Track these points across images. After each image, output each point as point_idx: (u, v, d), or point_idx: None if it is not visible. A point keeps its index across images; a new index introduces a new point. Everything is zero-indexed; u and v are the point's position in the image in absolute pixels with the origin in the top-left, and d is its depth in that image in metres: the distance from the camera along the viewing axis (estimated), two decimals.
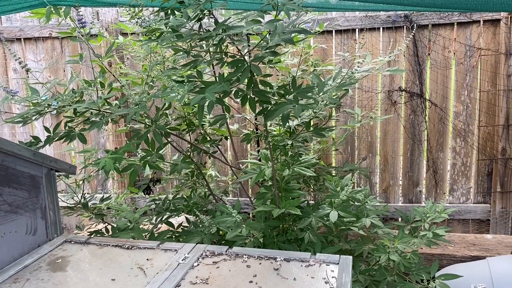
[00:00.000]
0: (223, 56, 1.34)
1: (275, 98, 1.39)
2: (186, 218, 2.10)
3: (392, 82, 3.00)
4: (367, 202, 1.87)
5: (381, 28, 2.94)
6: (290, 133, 1.84)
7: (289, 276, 1.31)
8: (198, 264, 1.43)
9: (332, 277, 1.29)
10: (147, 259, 1.48)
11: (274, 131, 1.85)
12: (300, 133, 1.76)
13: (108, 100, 1.73)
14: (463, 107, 2.94)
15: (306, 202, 1.89)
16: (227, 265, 1.41)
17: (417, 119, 3.00)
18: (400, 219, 3.06)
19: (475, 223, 3.04)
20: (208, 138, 2.06)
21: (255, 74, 1.30)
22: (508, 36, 2.74)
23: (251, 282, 1.30)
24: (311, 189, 2.52)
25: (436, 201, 3.08)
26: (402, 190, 3.18)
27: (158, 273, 1.37)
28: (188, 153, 1.90)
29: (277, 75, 2.22)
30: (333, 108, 3.03)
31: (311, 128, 1.79)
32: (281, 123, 1.82)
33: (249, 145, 3.00)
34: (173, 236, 2.00)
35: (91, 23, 1.84)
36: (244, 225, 1.65)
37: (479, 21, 2.80)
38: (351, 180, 1.89)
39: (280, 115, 1.28)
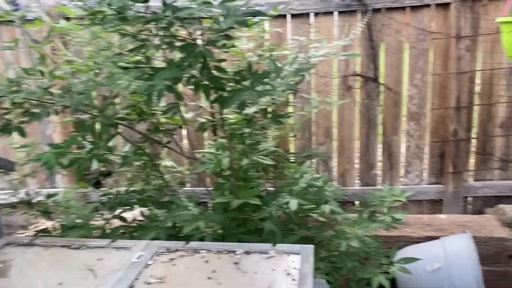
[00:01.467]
0: (173, 40, 1.26)
1: (230, 84, 1.33)
2: (141, 212, 2.01)
3: (347, 67, 2.99)
4: (326, 188, 1.85)
5: (335, 12, 2.91)
6: (248, 121, 1.78)
7: (249, 270, 1.26)
8: (153, 262, 1.35)
9: (294, 268, 1.26)
10: (98, 259, 1.38)
11: (231, 119, 1.78)
12: (258, 121, 1.70)
13: (50, 90, 1.60)
14: (416, 91, 2.99)
15: (265, 191, 1.84)
16: (184, 261, 1.35)
17: (372, 103, 3.02)
18: (358, 203, 3.09)
19: (429, 203, 3.12)
20: (161, 128, 1.96)
21: (208, 59, 1.23)
22: (458, 19, 2.79)
23: (209, 278, 1.25)
24: (271, 177, 2.48)
25: (391, 183, 3.13)
26: (358, 173, 3.21)
27: (110, 274, 1.28)
28: (140, 144, 1.80)
29: (232, 60, 2.14)
30: (290, 94, 3.00)
31: (269, 115, 1.73)
32: (238, 111, 1.75)
33: (206, 134, 2.91)
34: (127, 232, 1.91)
35: (26, 6, 1.68)
36: (201, 218, 1.58)
37: (430, 4, 2.83)
38: (310, 167, 1.86)
39: (237, 102, 1.21)
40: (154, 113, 1.93)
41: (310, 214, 1.84)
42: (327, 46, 1.99)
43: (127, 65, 1.36)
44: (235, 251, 1.37)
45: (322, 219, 1.88)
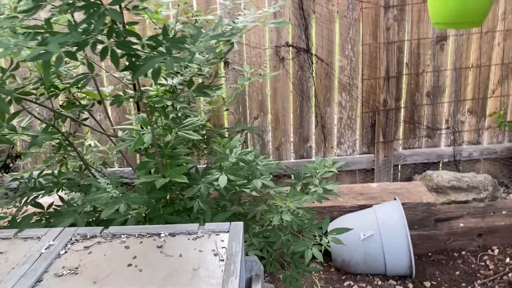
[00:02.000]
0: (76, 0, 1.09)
1: (145, 51, 1.19)
2: (60, 197, 1.83)
3: (279, 38, 2.91)
4: (257, 162, 1.77)
5: None
6: (171, 93, 1.65)
7: (174, 253, 1.16)
8: (65, 252, 1.21)
9: (222, 247, 1.17)
10: (1, 253, 1.22)
11: (152, 91, 1.64)
12: (182, 93, 1.58)
13: None
14: (347, 61, 2.98)
15: (195, 168, 1.74)
16: (101, 248, 1.22)
17: (305, 75, 2.98)
18: (292, 177, 3.08)
19: (361, 173, 3.18)
20: (76, 103, 1.78)
21: (116, 21, 1.08)
22: None
23: (129, 265, 1.13)
24: (202, 154, 2.37)
25: (325, 155, 3.14)
26: (293, 147, 3.19)
27: (14, 269, 1.13)
28: (48, 122, 1.61)
29: (155, 28, 1.98)
30: (221, 66, 2.88)
31: (194, 87, 1.61)
32: (163, 82, 1.62)
33: (130, 109, 2.73)
34: (43, 219, 1.73)
35: None
36: (122, 200, 1.45)
37: None
38: (240, 141, 1.78)
39: (150, 70, 1.08)
40: (67, 87, 1.74)
41: (243, 190, 1.76)
42: (256, 13, 1.89)
43: (26, 30, 1.18)
44: (159, 233, 1.26)
45: (255, 193, 1.81)
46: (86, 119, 1.93)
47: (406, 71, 3.01)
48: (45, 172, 1.85)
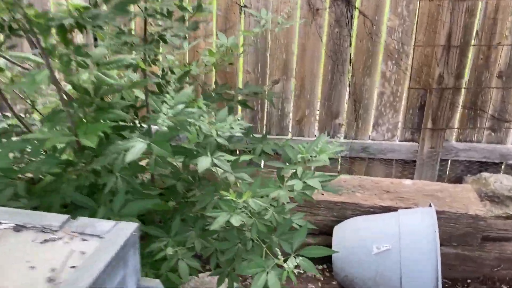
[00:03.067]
0: None
1: None
2: None
3: None
4: (226, 128, 1.26)
5: None
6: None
7: None
8: None
9: (72, 266, 0.70)
10: None
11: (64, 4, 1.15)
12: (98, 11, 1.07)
13: None
14: (399, 21, 2.33)
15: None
16: None
17: (342, 32, 2.38)
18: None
19: (399, 164, 2.57)
20: None
21: None
22: None
23: None
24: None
25: (356, 137, 2.56)
26: (319, 122, 2.62)
27: None
28: None
29: None
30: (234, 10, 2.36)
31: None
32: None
33: None
34: None
35: None
36: None
37: None
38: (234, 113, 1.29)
39: None
40: None
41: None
42: None
43: None
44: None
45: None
46: None
47: (475, 41, 2.31)
48: None
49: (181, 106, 1.11)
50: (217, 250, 1.16)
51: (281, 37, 2.44)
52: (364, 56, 2.40)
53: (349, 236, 1.87)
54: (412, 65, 2.36)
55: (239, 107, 2.40)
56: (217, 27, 2.46)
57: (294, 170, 1.29)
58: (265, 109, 2.61)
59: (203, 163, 1.12)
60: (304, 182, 1.16)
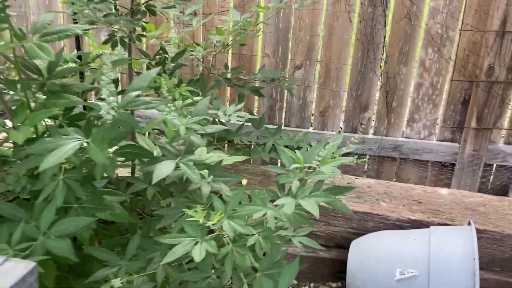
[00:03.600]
0: None
1: None
2: None
3: None
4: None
5: None
6: None
7: None
8: None
9: None
10: None
11: None
12: None
13: None
14: (444, 2, 1.99)
15: None
16: None
17: (375, 12, 2.05)
18: (279, 163, 2.25)
19: (435, 167, 2.24)
20: None
21: None
22: None
23: None
24: None
25: (388, 133, 2.24)
26: (345, 114, 2.32)
27: None
28: None
29: None
30: None
31: None
32: None
33: None
34: None
35: None
36: None
37: None
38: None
39: None
40: None
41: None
42: None
43: None
44: None
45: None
46: None
47: None
48: None
49: (134, 93, 0.86)
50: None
51: (306, 17, 2.15)
52: (400, 41, 2.08)
53: (368, 254, 1.59)
54: (456, 54, 2.02)
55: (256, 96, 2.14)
56: (234, 2, 2.19)
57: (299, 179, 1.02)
58: (285, 98, 2.33)
59: (162, 170, 0.86)
60: (299, 206, 0.88)
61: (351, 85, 2.23)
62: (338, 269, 1.79)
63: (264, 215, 0.86)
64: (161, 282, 0.86)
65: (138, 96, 0.86)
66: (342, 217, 1.70)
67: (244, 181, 1.69)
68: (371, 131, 2.29)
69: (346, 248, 1.70)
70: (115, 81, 1.41)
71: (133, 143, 0.91)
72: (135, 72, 1.49)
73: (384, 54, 2.11)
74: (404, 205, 1.75)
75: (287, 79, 2.13)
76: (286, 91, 2.23)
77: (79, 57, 1.40)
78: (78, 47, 1.73)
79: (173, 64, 1.56)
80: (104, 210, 0.92)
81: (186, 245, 0.81)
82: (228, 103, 2.42)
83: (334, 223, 1.75)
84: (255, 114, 2.30)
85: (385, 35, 2.07)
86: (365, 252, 1.62)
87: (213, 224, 0.82)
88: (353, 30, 2.11)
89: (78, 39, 1.65)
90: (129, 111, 0.88)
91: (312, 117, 2.37)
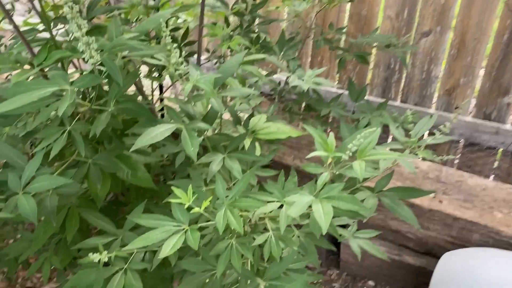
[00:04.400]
0: None
1: None
2: None
3: None
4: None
5: None
6: None
7: None
8: None
9: None
10: None
11: None
12: None
13: None
14: None
15: None
16: None
17: None
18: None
19: None
20: None
21: None
22: None
23: None
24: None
25: None
26: (478, 97, 1.90)
27: None
28: None
29: None
30: None
31: None
32: None
33: None
34: None
35: None
36: None
37: None
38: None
39: None
40: None
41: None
42: None
43: None
44: None
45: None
46: None
47: None
48: None
49: (127, 36, 0.72)
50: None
51: None
52: None
53: (462, 273, 1.27)
54: None
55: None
56: None
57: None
58: (404, 70, 2.00)
59: (151, 134, 0.72)
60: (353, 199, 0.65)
61: (490, 62, 1.79)
62: (424, 280, 1.50)
63: (270, 211, 0.69)
64: (157, 265, 0.77)
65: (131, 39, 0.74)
66: (439, 221, 1.39)
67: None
68: (510, 120, 1.84)
69: (438, 258, 1.40)
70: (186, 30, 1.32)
71: (133, 99, 0.81)
72: (212, 23, 1.38)
73: None
74: (507, 214, 1.35)
75: (403, 46, 1.79)
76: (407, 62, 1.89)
77: None
78: None
79: (250, 16, 1.38)
80: (122, 170, 0.85)
81: (162, 232, 0.69)
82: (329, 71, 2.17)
83: (429, 227, 1.45)
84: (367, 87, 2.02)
85: None
86: (458, 269, 1.30)
87: (205, 211, 0.68)
88: None
89: None
90: (118, 57, 0.76)
91: (436, 96, 2.00)
